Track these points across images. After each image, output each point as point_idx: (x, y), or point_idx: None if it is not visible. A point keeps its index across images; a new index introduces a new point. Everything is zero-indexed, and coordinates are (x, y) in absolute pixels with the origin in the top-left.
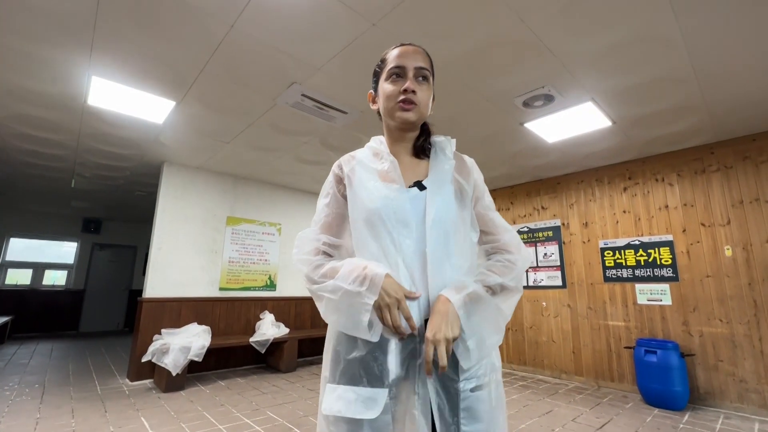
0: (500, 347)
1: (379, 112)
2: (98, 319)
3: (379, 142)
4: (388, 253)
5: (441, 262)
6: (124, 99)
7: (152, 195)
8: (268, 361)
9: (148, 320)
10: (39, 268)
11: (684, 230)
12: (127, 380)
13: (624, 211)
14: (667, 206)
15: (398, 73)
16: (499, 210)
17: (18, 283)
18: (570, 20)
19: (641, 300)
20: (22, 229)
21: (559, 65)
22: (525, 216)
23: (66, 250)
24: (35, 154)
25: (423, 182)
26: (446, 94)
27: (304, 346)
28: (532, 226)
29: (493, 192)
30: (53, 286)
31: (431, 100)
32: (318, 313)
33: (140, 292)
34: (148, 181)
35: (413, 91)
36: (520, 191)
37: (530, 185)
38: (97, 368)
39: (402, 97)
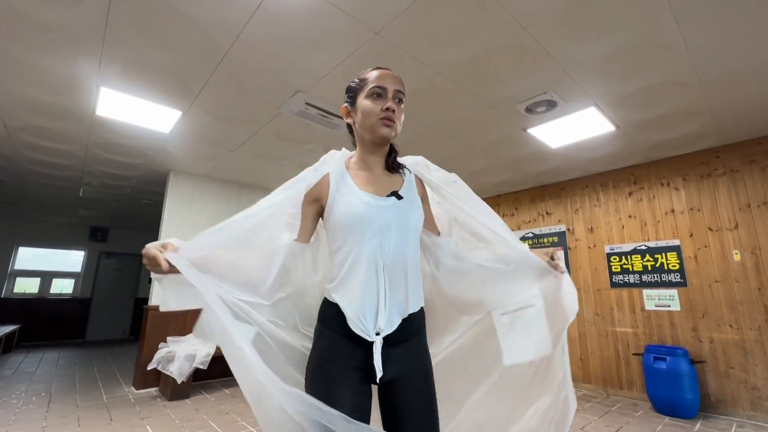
0: None
1: (350, 126)
2: (104, 327)
3: (347, 156)
4: (373, 254)
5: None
6: (131, 109)
7: (158, 203)
8: None
9: (154, 328)
10: (47, 277)
11: (691, 235)
12: (132, 388)
13: (630, 216)
14: (673, 210)
15: (379, 93)
16: (503, 216)
17: (26, 292)
18: (571, 27)
19: (649, 306)
20: (30, 238)
21: (561, 71)
22: (529, 222)
23: (73, 259)
24: (45, 164)
25: (399, 192)
26: (448, 101)
27: None
28: (537, 231)
29: (497, 198)
30: (60, 294)
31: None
32: None
33: (145, 300)
34: (155, 190)
35: (394, 110)
36: (524, 197)
37: (534, 191)
38: (103, 376)
39: (383, 114)
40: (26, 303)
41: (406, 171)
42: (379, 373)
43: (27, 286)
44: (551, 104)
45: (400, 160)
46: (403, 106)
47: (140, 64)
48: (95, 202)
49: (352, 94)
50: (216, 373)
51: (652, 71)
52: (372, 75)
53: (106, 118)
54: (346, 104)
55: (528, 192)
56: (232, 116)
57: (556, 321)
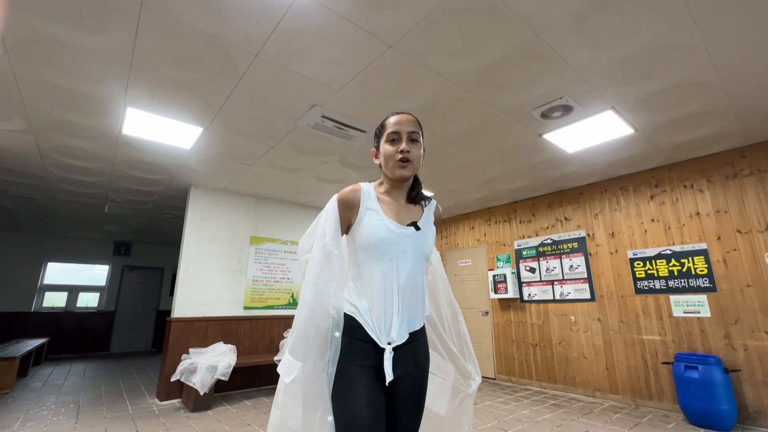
0: (528, 364)
1: (380, 165)
2: (128, 339)
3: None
4: (389, 274)
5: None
6: (155, 127)
7: (179, 218)
8: None
9: (176, 340)
10: (73, 291)
11: (719, 238)
12: (156, 400)
13: (652, 220)
14: (698, 213)
15: (395, 138)
16: (520, 223)
17: (54, 306)
18: (585, 32)
19: (677, 312)
20: (58, 253)
21: (577, 76)
22: (548, 228)
23: (98, 273)
24: (74, 182)
25: (418, 223)
26: (463, 110)
27: None
28: (555, 237)
29: (513, 204)
30: (86, 307)
31: (422, 153)
32: None
33: (167, 312)
34: (176, 204)
35: (408, 151)
36: (541, 203)
37: (552, 196)
38: (128, 388)
39: (399, 156)
40: (54, 316)
41: (426, 203)
42: (389, 378)
43: (55, 300)
44: (567, 109)
45: (434, 201)
46: (420, 143)
47: (164, 84)
48: (119, 218)
49: (376, 139)
50: (237, 384)
51: (671, 73)
52: (389, 121)
53: (131, 137)
54: (373, 148)
55: (545, 198)
56: (250, 131)
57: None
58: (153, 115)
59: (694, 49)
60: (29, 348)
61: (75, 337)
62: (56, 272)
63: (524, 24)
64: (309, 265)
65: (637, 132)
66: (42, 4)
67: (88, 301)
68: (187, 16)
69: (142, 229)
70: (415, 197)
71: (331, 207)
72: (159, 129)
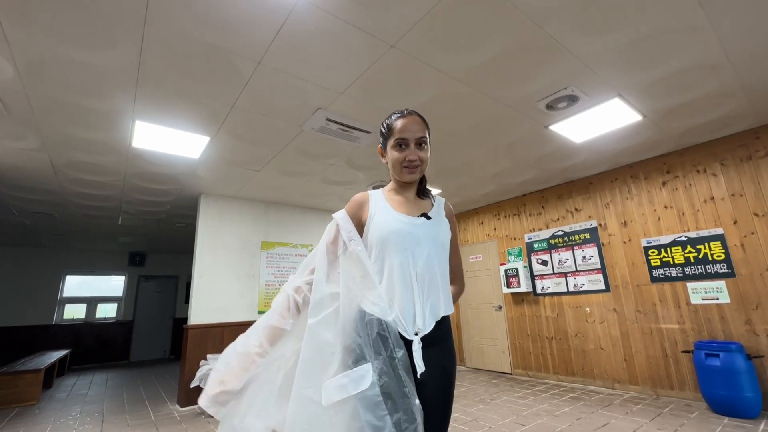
0: (544, 358)
1: (386, 163)
2: (147, 348)
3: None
4: (406, 264)
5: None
6: (164, 139)
7: (191, 226)
8: None
9: (194, 346)
10: (92, 302)
11: (735, 222)
12: (177, 406)
13: (665, 207)
14: (713, 198)
15: (402, 144)
16: (530, 216)
17: (74, 318)
18: (589, 20)
19: (695, 299)
20: (76, 266)
21: (581, 65)
22: (558, 219)
23: (115, 284)
24: (88, 197)
25: (428, 214)
26: (467, 106)
27: None
28: (566, 229)
29: (522, 197)
30: (105, 318)
31: (429, 154)
32: None
33: (183, 320)
34: (187, 213)
35: (416, 158)
36: (550, 194)
37: (561, 187)
38: (149, 395)
39: (406, 163)
40: (75, 328)
41: (434, 198)
42: (420, 369)
43: (75, 312)
44: (573, 99)
45: (441, 198)
46: (427, 146)
47: (171, 95)
48: (133, 229)
49: (383, 139)
50: None
51: (679, 56)
52: (396, 126)
53: (141, 149)
54: (380, 146)
55: (554, 189)
56: (256, 137)
57: None
58: (161, 127)
59: (701, 31)
60: (53, 360)
61: (96, 347)
62: (75, 285)
63: (525, 16)
64: (342, 277)
65: (645, 118)
66: (50, 24)
67: (107, 311)
68: (190, 28)
69: (156, 239)
70: (423, 191)
71: (340, 216)
72: (167, 140)
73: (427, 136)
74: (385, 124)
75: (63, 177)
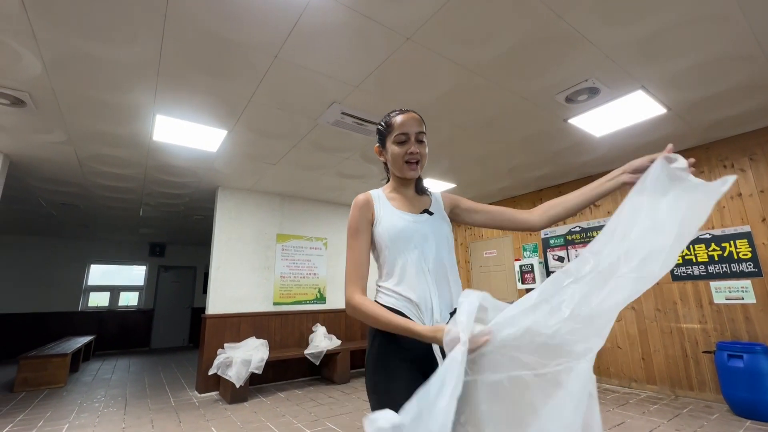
0: None
1: (385, 163)
2: (166, 336)
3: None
4: (418, 260)
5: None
6: (183, 132)
7: (209, 218)
8: (323, 372)
9: (212, 335)
10: (115, 291)
11: (763, 219)
12: (196, 392)
13: None
14: (740, 194)
15: (403, 140)
16: None
17: (98, 305)
18: (611, 9)
19: (718, 299)
20: (99, 256)
21: (603, 56)
22: (576, 215)
23: (136, 273)
24: (111, 189)
25: (430, 209)
26: (483, 98)
27: (355, 357)
28: (584, 225)
29: (539, 192)
30: (127, 306)
31: (427, 151)
32: (367, 325)
33: (201, 309)
34: (205, 206)
35: (417, 153)
36: (567, 190)
37: (579, 183)
38: (169, 381)
39: (408, 158)
40: (99, 315)
41: (431, 192)
42: (441, 362)
43: (99, 300)
44: (593, 91)
45: (438, 193)
46: (425, 142)
47: (190, 90)
48: (153, 221)
49: (381, 137)
50: (270, 377)
51: (707, 47)
52: (396, 121)
53: (161, 143)
54: (377, 144)
55: (572, 184)
56: (272, 131)
57: None
58: (180, 121)
59: (731, 19)
60: (79, 345)
61: (118, 334)
62: (98, 274)
63: (544, 5)
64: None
65: (670, 111)
66: (75, 22)
67: (129, 300)
68: (208, 24)
69: (175, 231)
70: (420, 188)
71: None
72: (186, 134)
73: (425, 132)
74: (383, 122)
75: (87, 169)
